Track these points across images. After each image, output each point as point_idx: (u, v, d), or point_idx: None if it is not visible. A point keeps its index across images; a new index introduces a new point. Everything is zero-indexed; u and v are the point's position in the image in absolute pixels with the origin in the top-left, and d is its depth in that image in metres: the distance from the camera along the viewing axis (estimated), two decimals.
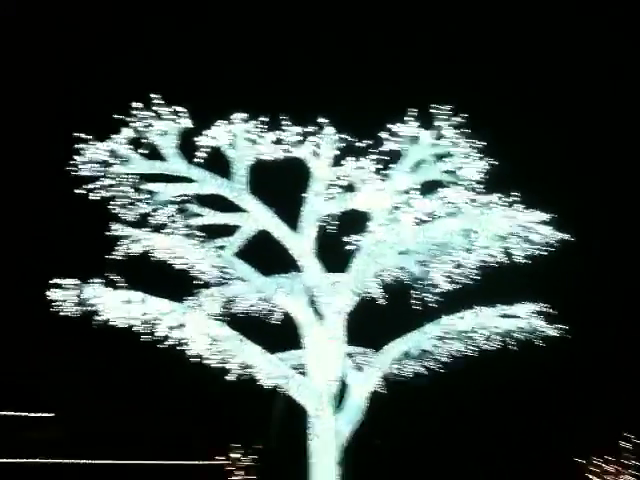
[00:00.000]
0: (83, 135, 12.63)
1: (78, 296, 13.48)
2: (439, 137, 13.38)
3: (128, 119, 12.52)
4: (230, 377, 14.76)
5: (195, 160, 13.22)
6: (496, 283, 16.19)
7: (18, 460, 35.21)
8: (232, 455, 44.69)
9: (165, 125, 12.79)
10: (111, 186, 13.25)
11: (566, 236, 14.05)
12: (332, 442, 13.73)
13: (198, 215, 14.46)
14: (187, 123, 12.83)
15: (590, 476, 42.74)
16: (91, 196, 13.05)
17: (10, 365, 36.09)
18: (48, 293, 13.57)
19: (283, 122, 12.82)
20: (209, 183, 13.77)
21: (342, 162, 13.20)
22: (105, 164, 12.94)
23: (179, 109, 12.63)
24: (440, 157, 13.73)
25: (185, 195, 14.12)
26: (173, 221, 14.19)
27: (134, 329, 13.85)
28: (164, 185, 13.68)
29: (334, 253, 14.99)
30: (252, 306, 17.20)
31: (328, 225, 14.11)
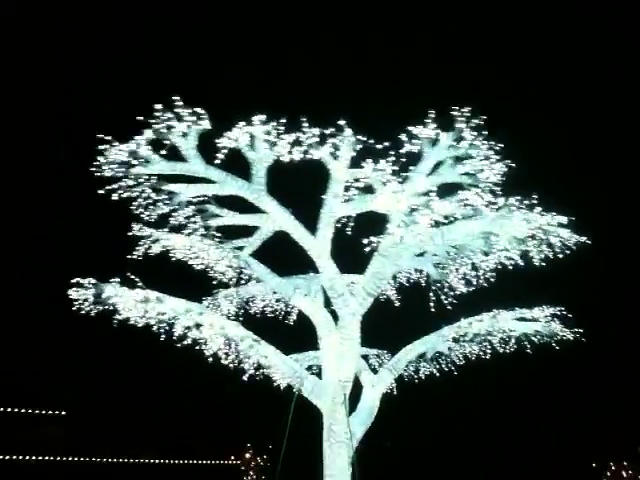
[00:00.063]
0: (105, 137, 12.67)
1: (97, 295, 13.57)
2: (458, 139, 13.34)
3: (149, 120, 12.56)
4: (244, 377, 14.85)
5: (215, 161, 13.25)
6: (509, 285, 16.18)
7: (19, 458, 35.32)
8: (245, 455, 44.82)
9: (186, 126, 12.83)
10: (132, 187, 13.32)
11: (584, 238, 13.99)
12: (345, 443, 13.70)
13: (217, 216, 14.51)
14: (207, 125, 12.85)
15: None
16: (112, 197, 13.11)
17: (11, 365, 36.23)
18: (67, 292, 13.69)
19: (302, 124, 12.83)
20: (229, 184, 13.81)
21: (361, 164, 13.16)
22: (127, 165, 12.98)
23: (199, 110, 12.65)
24: (459, 159, 13.69)
25: (204, 196, 14.16)
26: (192, 222, 14.23)
27: (143, 330, 13.96)
28: (185, 186, 13.72)
29: (351, 254, 15.01)
30: (268, 306, 17.30)
31: (345, 227, 14.11)
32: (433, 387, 17.82)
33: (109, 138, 12.70)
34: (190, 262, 15.26)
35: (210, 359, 14.48)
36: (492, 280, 15.64)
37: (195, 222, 14.24)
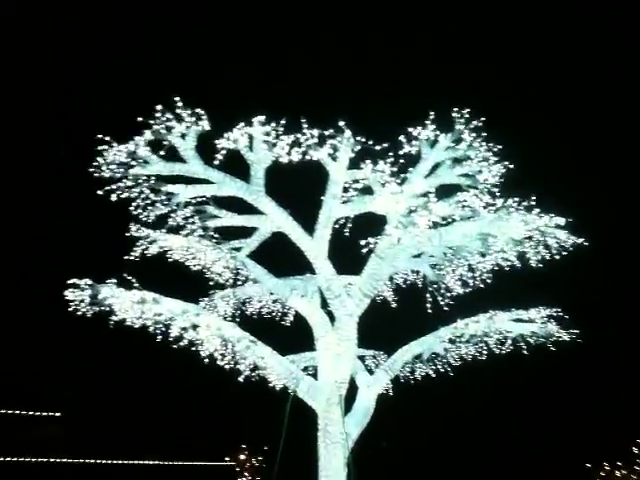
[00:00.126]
0: (104, 137, 12.63)
1: (94, 296, 13.51)
2: (457, 141, 13.37)
3: (149, 121, 12.54)
4: (240, 378, 14.83)
5: (214, 162, 13.23)
6: (508, 287, 16.24)
7: (19, 459, 35.22)
8: (239, 456, 44.82)
9: (185, 127, 12.80)
10: (130, 187, 13.28)
11: (581, 240, 14.06)
12: (340, 444, 13.71)
13: (215, 217, 14.48)
14: (206, 125, 12.84)
15: None
16: (111, 197, 13.07)
17: (11, 365, 36.12)
18: (64, 293, 13.63)
19: (301, 125, 12.83)
20: (227, 185, 13.80)
21: (360, 165, 13.17)
22: (125, 166, 12.94)
23: (198, 111, 12.63)
24: (457, 161, 13.72)
25: (203, 197, 14.14)
26: (190, 222, 14.20)
27: (142, 330, 13.92)
28: (183, 187, 13.69)
29: (348, 255, 15.02)
30: (264, 307, 17.30)
31: (343, 228, 14.12)
32: (429, 388, 17.85)
33: (108, 139, 12.67)
34: (187, 263, 15.24)
35: (206, 360, 14.45)
36: (489, 281, 15.69)
37: (193, 223, 14.21)
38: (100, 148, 12.73)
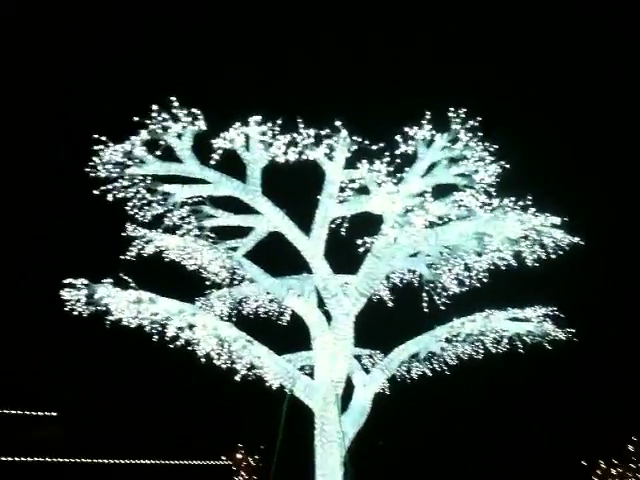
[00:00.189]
0: (100, 137, 12.63)
1: (90, 296, 13.50)
2: (453, 140, 13.40)
3: (145, 121, 12.53)
4: (237, 378, 14.83)
5: (210, 162, 13.23)
6: (504, 286, 16.28)
7: (19, 459, 35.23)
8: (236, 455, 44.84)
9: (181, 127, 12.80)
10: (126, 187, 13.27)
11: (576, 239, 14.10)
12: (337, 443, 13.72)
13: (212, 217, 14.49)
14: (202, 125, 12.84)
15: (595, 479, 42.91)
16: (106, 197, 13.06)
17: (11, 365, 36.09)
18: (60, 293, 13.62)
19: (298, 125, 12.83)
20: (224, 185, 13.80)
21: (356, 165, 13.18)
22: (121, 166, 12.94)
23: (195, 111, 12.63)
24: (454, 160, 13.75)
25: (199, 197, 14.14)
26: (187, 222, 14.20)
27: (141, 330, 13.91)
28: (179, 187, 13.69)
29: (345, 255, 15.04)
30: (261, 307, 17.29)
31: (340, 227, 14.14)
32: (426, 387, 17.88)
33: (104, 138, 12.66)
34: (183, 263, 15.24)
35: (203, 360, 14.44)
36: (485, 280, 15.73)
37: (189, 223, 14.21)
38: (96, 148, 12.72)
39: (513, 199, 13.58)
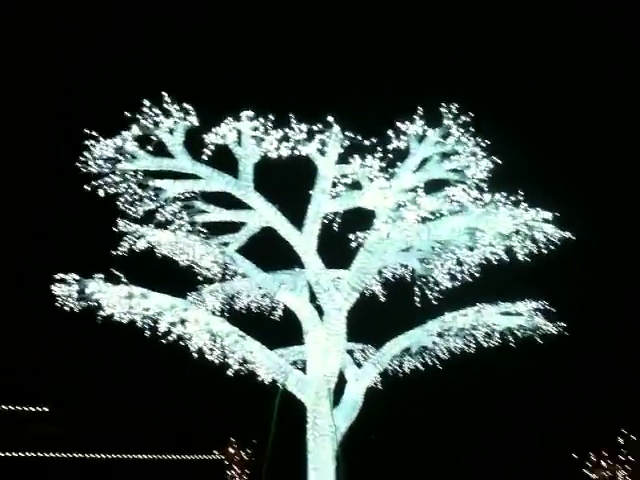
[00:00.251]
0: (90, 132, 12.59)
1: (81, 291, 13.47)
2: (445, 135, 13.43)
3: (136, 116, 12.50)
4: (229, 372, 14.84)
5: (202, 157, 13.21)
6: (496, 280, 16.36)
7: (18, 454, 35.28)
8: (228, 450, 44.89)
9: (172, 122, 12.77)
10: (118, 183, 13.24)
11: (568, 234, 14.17)
12: (329, 437, 13.76)
13: (204, 212, 14.47)
14: (194, 121, 12.81)
15: (586, 471, 43.25)
16: (98, 193, 13.03)
17: (11, 365, 36.04)
18: (52, 288, 13.57)
19: (289, 120, 12.82)
20: (216, 180, 13.78)
21: (348, 160, 13.19)
22: (112, 161, 12.91)
23: (187, 106, 12.60)
24: (446, 156, 13.79)
25: (191, 192, 14.12)
26: (179, 218, 14.19)
27: (134, 326, 13.89)
28: (171, 182, 13.67)
29: (337, 250, 15.06)
30: (253, 302, 17.30)
31: (332, 222, 14.15)
32: (418, 381, 17.95)
33: (95, 134, 12.63)
34: (175, 258, 15.22)
35: (195, 355, 14.44)
36: (477, 275, 15.80)
37: (181, 218, 14.20)
38: (87, 143, 12.68)
39: (505, 194, 13.64)
